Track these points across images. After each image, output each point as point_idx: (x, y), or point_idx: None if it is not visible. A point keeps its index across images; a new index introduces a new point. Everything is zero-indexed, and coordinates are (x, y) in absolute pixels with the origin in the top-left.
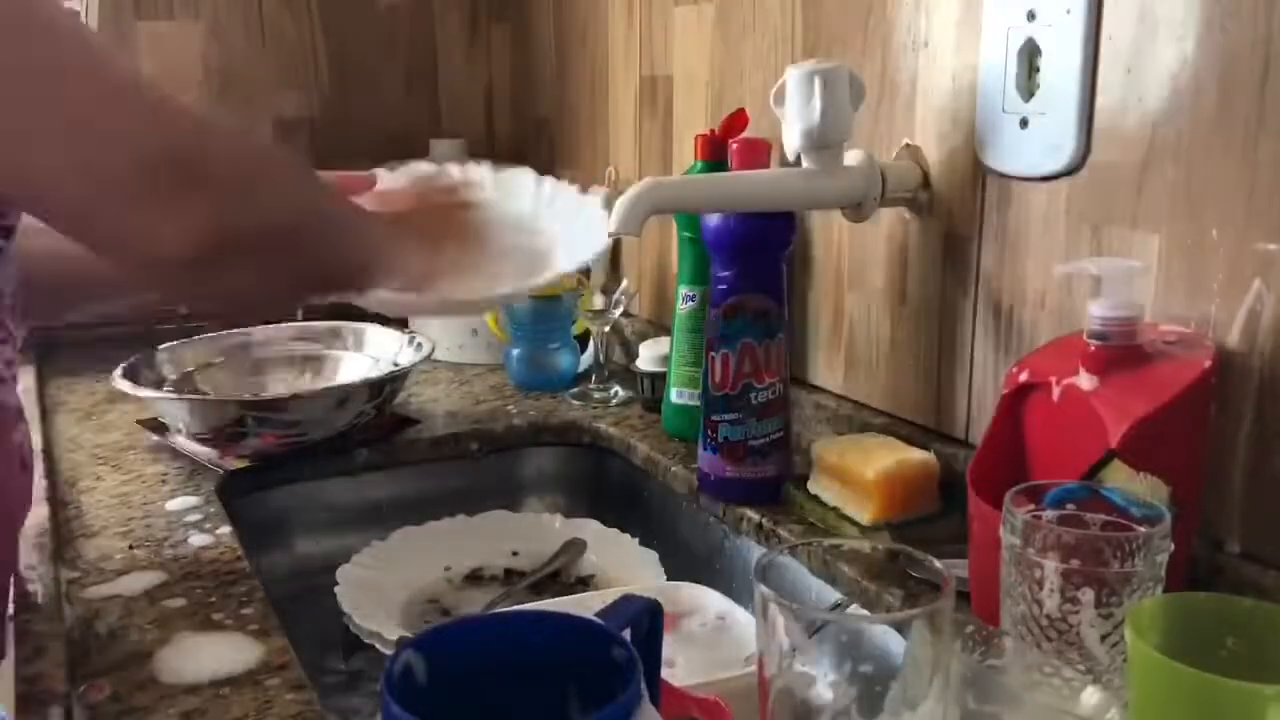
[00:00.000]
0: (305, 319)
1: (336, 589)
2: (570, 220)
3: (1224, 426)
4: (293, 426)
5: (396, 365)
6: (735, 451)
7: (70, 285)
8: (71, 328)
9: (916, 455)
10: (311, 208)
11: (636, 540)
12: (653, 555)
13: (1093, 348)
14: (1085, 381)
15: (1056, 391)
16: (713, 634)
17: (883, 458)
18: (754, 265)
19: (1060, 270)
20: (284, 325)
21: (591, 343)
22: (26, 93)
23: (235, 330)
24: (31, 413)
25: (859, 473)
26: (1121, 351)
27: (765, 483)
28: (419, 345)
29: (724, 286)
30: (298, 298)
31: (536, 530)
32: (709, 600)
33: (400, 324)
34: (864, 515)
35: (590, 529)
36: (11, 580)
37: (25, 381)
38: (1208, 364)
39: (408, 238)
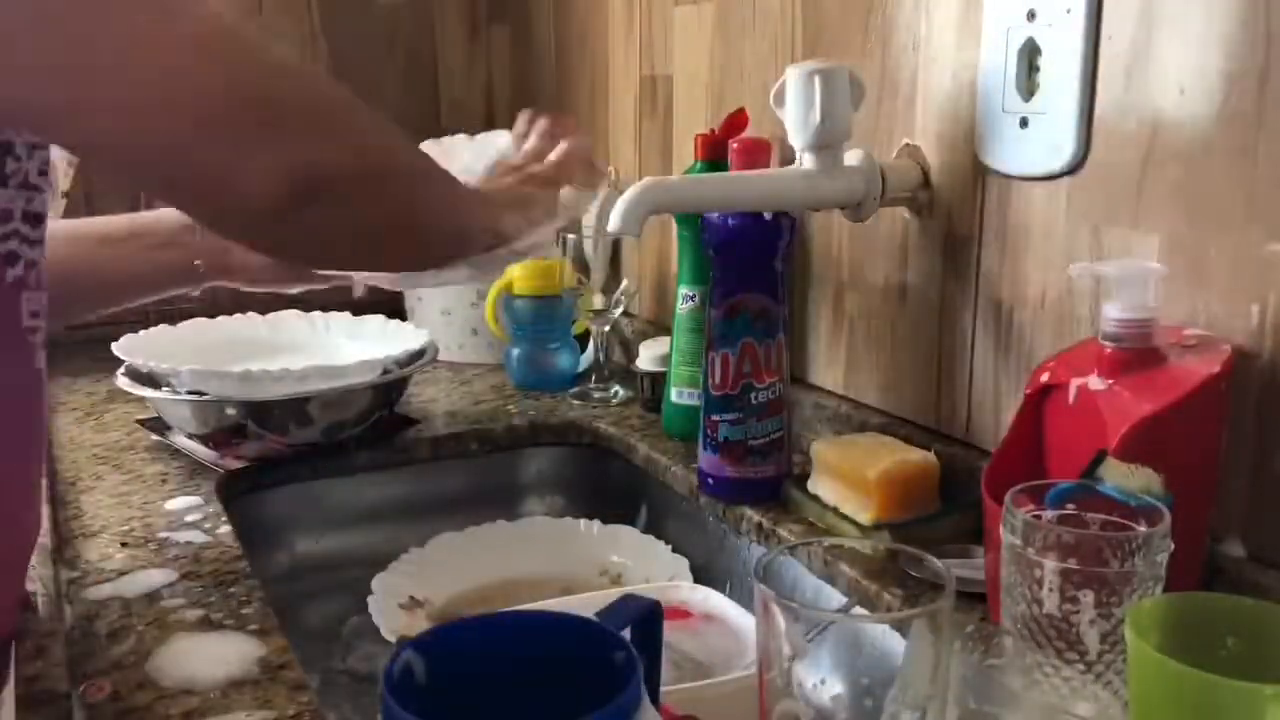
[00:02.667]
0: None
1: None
2: None
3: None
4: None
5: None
6: (735, 451)
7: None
8: (72, 328)
9: (916, 455)
10: (395, 156)
11: (670, 547)
12: (683, 561)
13: (1107, 350)
14: (1096, 383)
15: (1071, 393)
16: (714, 635)
17: (883, 458)
18: (754, 265)
19: (1074, 271)
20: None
21: (591, 342)
22: (123, 28)
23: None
24: None
25: (859, 473)
26: (1136, 354)
27: (765, 483)
28: (421, 352)
29: (724, 286)
30: (396, 257)
31: (574, 535)
32: (715, 602)
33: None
34: (864, 515)
35: (623, 535)
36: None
37: None
38: (1217, 368)
39: (504, 206)
